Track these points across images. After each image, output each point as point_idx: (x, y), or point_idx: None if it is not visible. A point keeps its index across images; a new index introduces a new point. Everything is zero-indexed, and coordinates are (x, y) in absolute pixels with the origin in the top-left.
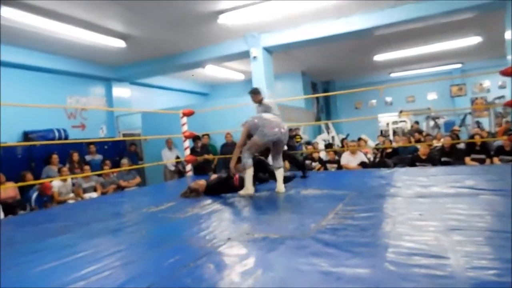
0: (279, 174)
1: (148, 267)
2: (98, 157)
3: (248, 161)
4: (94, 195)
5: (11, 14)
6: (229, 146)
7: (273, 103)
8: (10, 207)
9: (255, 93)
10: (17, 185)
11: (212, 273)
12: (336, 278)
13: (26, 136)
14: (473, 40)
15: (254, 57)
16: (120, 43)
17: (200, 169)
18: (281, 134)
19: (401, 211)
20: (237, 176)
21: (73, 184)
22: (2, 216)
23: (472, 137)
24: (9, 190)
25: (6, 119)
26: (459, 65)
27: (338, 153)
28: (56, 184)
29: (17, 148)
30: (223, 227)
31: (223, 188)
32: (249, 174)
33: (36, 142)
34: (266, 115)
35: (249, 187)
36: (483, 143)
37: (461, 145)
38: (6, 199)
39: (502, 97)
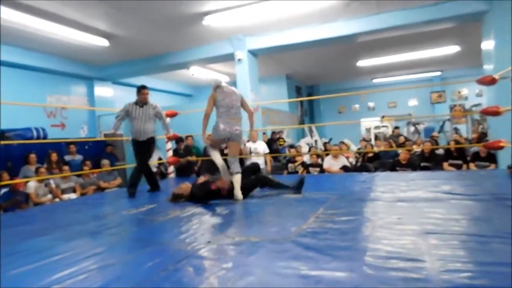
0: (236, 180)
1: (126, 270)
2: (78, 157)
3: (213, 153)
4: (73, 196)
5: None
6: None
7: (159, 106)
8: None
9: (147, 88)
10: None
11: (191, 276)
12: (316, 282)
13: (3, 134)
14: (452, 49)
15: (239, 59)
16: (104, 42)
17: (183, 171)
18: (230, 134)
19: (381, 215)
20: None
21: (45, 185)
22: None
23: (450, 143)
24: None
25: None
26: (439, 73)
27: (321, 157)
28: (32, 184)
29: None
30: (203, 230)
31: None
32: (218, 159)
33: (13, 141)
34: (231, 111)
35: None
36: (460, 149)
37: (440, 151)
38: None
39: (479, 104)
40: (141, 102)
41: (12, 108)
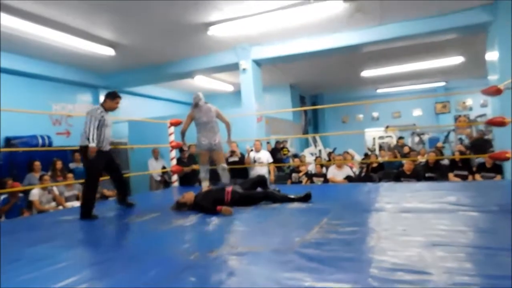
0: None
1: (127, 279)
2: None
3: (202, 175)
4: (76, 204)
5: None
6: None
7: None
8: None
9: (120, 98)
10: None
11: (194, 286)
12: None
13: (8, 142)
14: (457, 59)
15: (244, 69)
16: (110, 51)
17: (187, 180)
18: (210, 144)
19: (385, 226)
20: (229, 189)
21: (49, 192)
22: None
23: (454, 153)
24: None
25: None
26: (443, 83)
27: (325, 167)
28: (36, 192)
29: None
30: (206, 240)
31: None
32: (202, 175)
33: (18, 148)
34: (208, 126)
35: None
36: (466, 160)
37: (445, 161)
38: None
39: (484, 115)
40: (111, 109)
41: (18, 115)
